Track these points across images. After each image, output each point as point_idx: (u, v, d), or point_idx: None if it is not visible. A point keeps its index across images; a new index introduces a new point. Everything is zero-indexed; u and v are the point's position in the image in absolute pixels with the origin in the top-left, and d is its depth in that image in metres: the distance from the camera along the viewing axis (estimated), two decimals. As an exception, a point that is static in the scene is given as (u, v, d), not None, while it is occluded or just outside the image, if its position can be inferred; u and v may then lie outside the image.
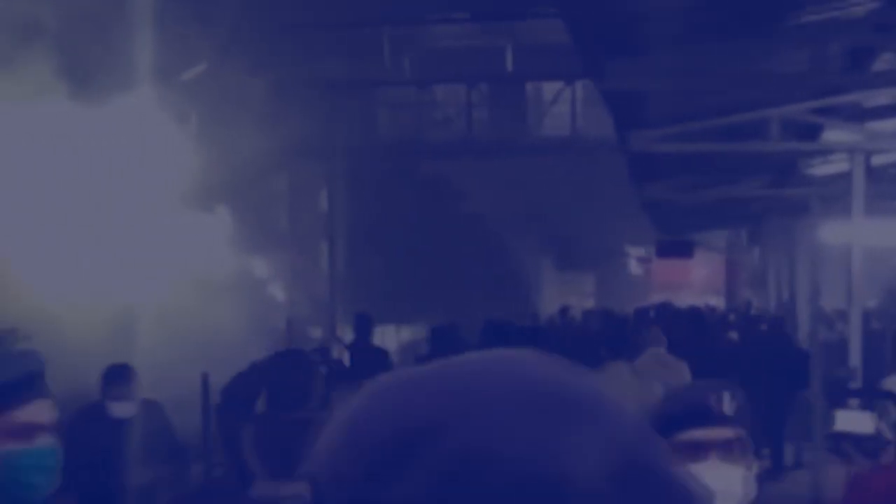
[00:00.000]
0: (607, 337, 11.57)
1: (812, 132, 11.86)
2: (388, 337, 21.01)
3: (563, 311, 19.02)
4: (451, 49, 23.34)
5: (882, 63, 9.90)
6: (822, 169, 14.17)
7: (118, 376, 6.48)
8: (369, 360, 11.06)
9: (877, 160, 12.80)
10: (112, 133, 13.38)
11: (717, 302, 23.30)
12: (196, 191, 15.35)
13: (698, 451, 2.54)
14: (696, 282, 29.07)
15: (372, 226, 23.59)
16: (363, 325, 11.34)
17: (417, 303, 22.35)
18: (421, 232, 23.63)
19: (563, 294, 28.43)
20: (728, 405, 2.56)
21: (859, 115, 11.51)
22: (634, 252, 30.14)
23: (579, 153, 22.69)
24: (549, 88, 23.74)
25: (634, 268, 30.62)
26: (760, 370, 11.36)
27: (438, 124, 23.20)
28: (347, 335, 16.65)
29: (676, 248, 19.02)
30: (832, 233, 13.68)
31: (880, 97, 10.90)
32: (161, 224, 13.90)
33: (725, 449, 2.56)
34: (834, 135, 11.98)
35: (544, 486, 0.91)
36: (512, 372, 0.98)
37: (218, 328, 14.15)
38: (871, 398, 9.86)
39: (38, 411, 2.57)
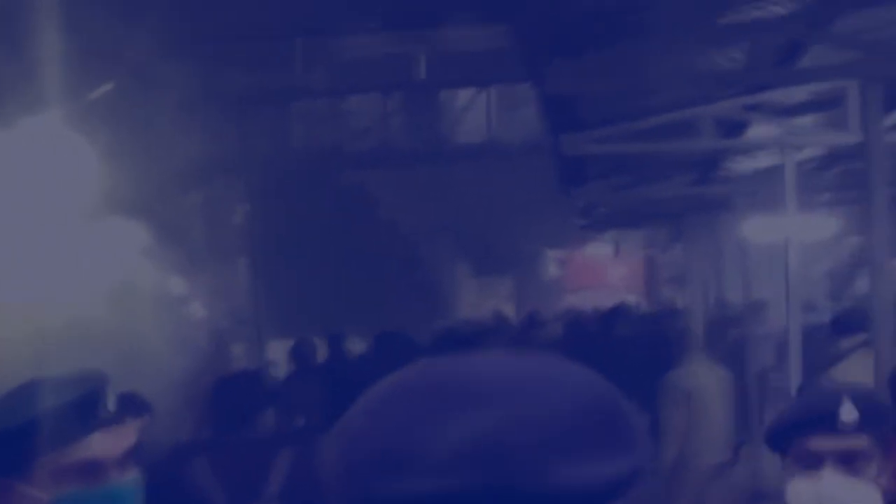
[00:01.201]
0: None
1: (738, 129, 12.00)
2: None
3: (497, 314, 19.22)
4: (363, 59, 23.26)
5: (809, 59, 10.02)
6: (745, 165, 14.34)
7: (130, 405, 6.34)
8: (351, 371, 11.19)
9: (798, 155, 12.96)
10: (19, 152, 13.19)
11: (637, 301, 23.49)
12: (108, 207, 15.16)
13: (814, 460, 2.44)
14: (614, 282, 29.30)
15: (290, 237, 23.44)
16: (336, 342, 11.48)
17: (337, 314, 22.26)
18: (340, 243, 23.53)
19: (480, 298, 28.50)
20: (850, 412, 2.45)
21: (785, 110, 11.67)
22: (552, 254, 30.31)
23: (495, 158, 22.75)
24: (463, 95, 23.78)
25: (552, 269, 30.78)
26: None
27: (354, 134, 23.13)
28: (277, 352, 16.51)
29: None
30: (762, 228, 13.85)
31: (804, 92, 11.05)
32: (73, 239, 13.71)
33: (844, 460, 2.45)
34: (759, 130, 12.13)
35: (401, 458, 1.15)
36: (415, 376, 1.22)
37: (139, 345, 13.96)
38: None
39: (101, 444, 2.22)
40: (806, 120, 12.21)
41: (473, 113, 23.38)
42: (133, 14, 17.69)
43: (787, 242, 10.34)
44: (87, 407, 2.22)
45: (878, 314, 7.96)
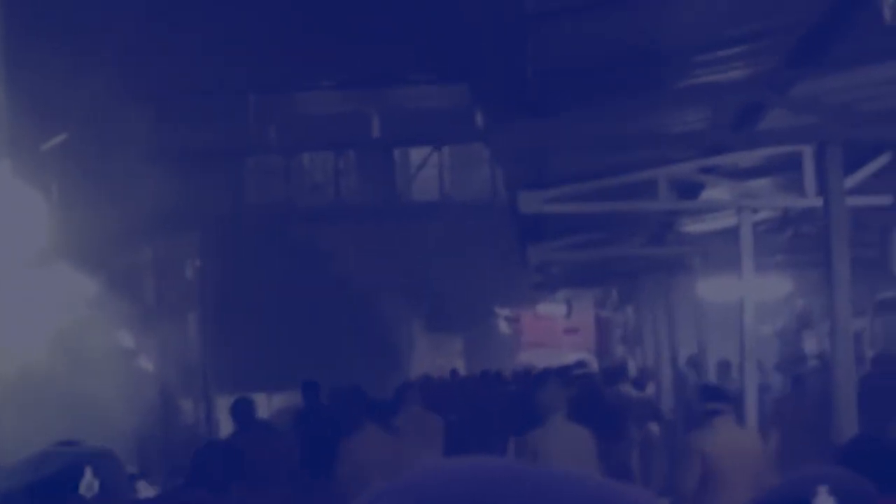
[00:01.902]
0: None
1: (694, 190, 12.03)
2: (260, 405, 20.69)
3: (453, 372, 19.17)
4: (317, 116, 23.31)
5: (766, 122, 10.07)
6: (699, 226, 14.39)
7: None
8: (327, 424, 11.06)
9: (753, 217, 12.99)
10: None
11: (590, 360, 23.47)
12: (57, 259, 15.03)
13: None
14: (566, 340, 29.27)
15: (242, 293, 23.30)
16: (312, 391, 11.38)
17: (288, 369, 22.08)
18: (291, 298, 23.42)
19: (433, 355, 28.42)
20: (825, 499, 2.31)
21: (741, 172, 11.71)
22: (503, 312, 30.29)
23: (447, 216, 22.82)
24: (417, 154, 23.85)
25: (503, 327, 30.74)
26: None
27: (307, 190, 23.12)
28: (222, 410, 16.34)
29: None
30: (718, 288, 13.87)
31: (761, 155, 11.09)
32: (22, 289, 13.60)
33: None
34: (714, 192, 12.17)
35: None
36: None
37: (88, 398, 13.78)
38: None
39: None
40: (762, 183, 12.27)
41: (427, 171, 23.44)
42: (87, 68, 17.60)
43: (742, 303, 10.35)
44: (59, 484, 2.14)
45: (838, 374, 7.95)
